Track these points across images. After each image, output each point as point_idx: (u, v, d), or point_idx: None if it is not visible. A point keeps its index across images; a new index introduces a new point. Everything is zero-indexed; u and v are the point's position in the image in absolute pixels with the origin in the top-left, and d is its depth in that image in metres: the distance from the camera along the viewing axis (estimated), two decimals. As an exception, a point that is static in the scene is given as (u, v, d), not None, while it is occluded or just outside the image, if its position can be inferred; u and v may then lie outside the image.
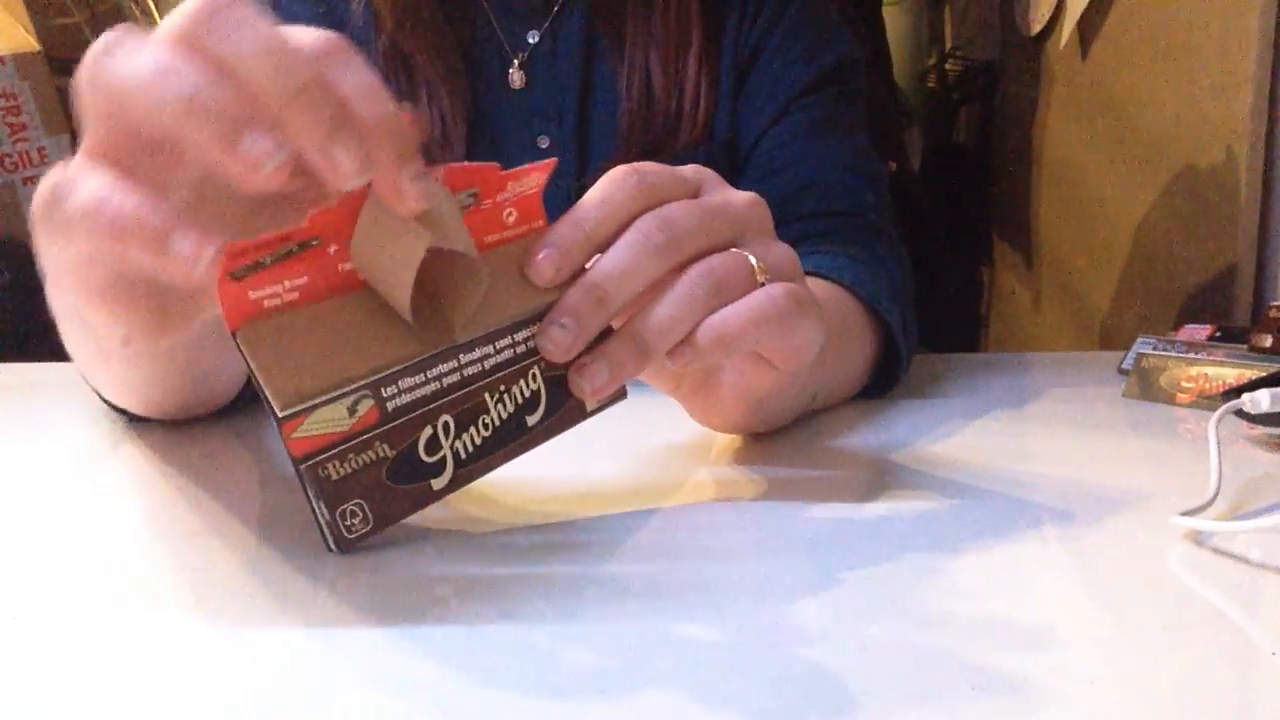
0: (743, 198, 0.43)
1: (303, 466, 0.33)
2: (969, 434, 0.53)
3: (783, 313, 0.40)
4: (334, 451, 0.34)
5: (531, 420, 0.38)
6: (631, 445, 0.50)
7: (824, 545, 0.38)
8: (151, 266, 0.31)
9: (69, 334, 0.45)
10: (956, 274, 1.87)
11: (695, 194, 0.42)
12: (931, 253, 1.55)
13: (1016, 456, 0.49)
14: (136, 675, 0.29)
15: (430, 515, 0.37)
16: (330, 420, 0.33)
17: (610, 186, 0.39)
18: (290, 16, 0.68)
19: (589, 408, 0.40)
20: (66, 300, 0.42)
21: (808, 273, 0.59)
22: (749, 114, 0.71)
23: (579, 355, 0.38)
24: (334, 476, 0.34)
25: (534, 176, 0.38)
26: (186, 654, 0.30)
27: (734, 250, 0.41)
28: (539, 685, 0.28)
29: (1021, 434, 0.53)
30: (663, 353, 0.39)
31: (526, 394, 0.38)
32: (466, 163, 0.36)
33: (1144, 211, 1.17)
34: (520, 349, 0.38)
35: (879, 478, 0.46)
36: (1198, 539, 0.38)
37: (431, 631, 0.31)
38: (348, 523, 0.35)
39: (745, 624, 0.32)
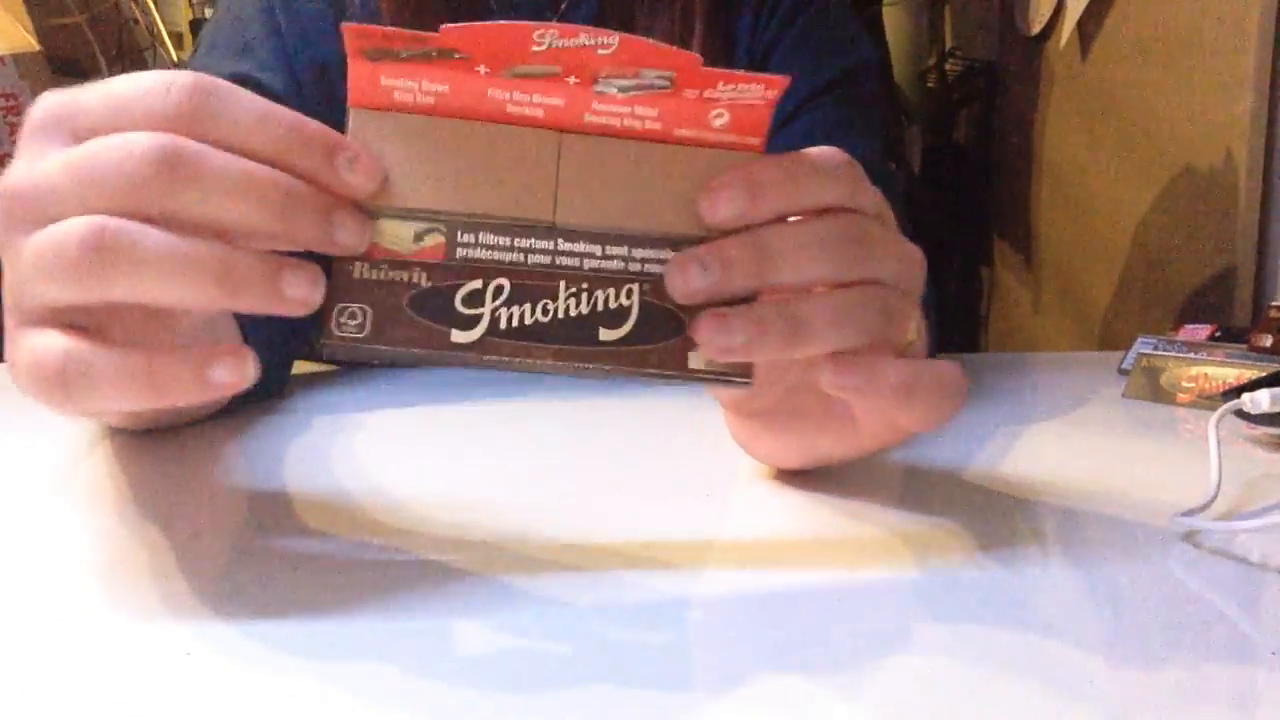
0: (912, 245, 0.38)
1: (337, 260, 0.31)
2: (969, 434, 0.53)
3: (951, 391, 0.36)
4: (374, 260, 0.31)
5: (606, 335, 0.32)
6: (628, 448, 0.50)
7: (819, 543, 0.38)
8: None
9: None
10: (956, 274, 1.87)
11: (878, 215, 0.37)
12: (931, 253, 1.55)
13: (1016, 456, 0.49)
14: (135, 676, 0.29)
15: (433, 516, 0.37)
16: (394, 238, 0.31)
17: (829, 163, 0.34)
18: (294, 15, 0.68)
19: (691, 363, 0.33)
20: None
21: None
22: None
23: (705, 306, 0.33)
24: (355, 275, 0.31)
25: (757, 87, 0.32)
26: (186, 654, 0.30)
27: (895, 293, 0.36)
28: (540, 685, 0.28)
29: (1021, 434, 0.53)
30: (820, 349, 0.34)
31: (613, 305, 0.33)
32: (657, 42, 0.31)
33: (1144, 212, 1.17)
34: (634, 266, 0.33)
35: (877, 477, 0.46)
36: (1198, 539, 0.38)
37: (429, 629, 0.31)
38: (342, 319, 0.31)
39: (740, 613, 0.32)
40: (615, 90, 0.32)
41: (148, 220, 0.30)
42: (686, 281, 0.32)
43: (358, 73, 0.30)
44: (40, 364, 0.30)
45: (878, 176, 0.70)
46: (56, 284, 0.30)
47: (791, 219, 0.34)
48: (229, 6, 0.70)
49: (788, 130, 0.69)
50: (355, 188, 0.31)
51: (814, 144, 0.70)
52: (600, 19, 0.70)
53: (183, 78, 0.31)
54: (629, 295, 0.33)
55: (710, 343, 0.32)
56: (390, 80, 0.30)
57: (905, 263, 0.36)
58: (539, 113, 0.32)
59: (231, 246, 0.30)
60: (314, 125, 0.31)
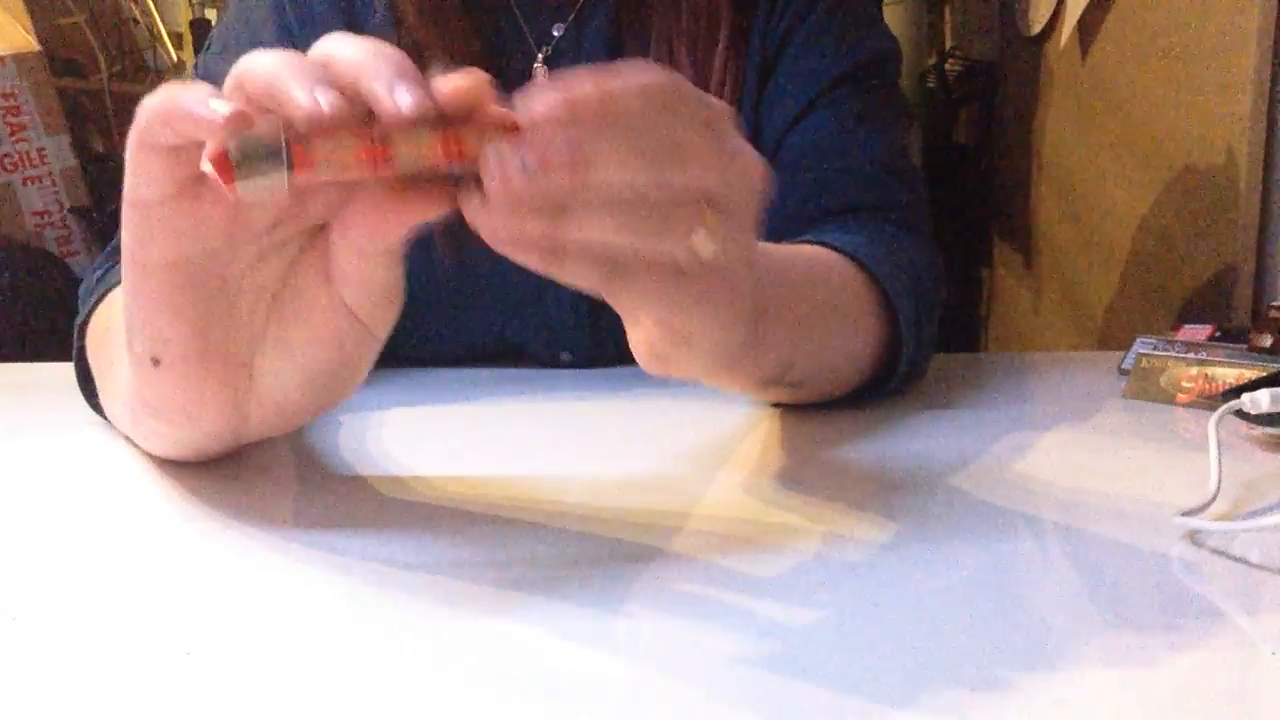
0: (753, 160, 0.38)
1: None
2: (969, 434, 0.53)
3: (678, 303, 0.37)
4: None
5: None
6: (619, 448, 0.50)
7: (820, 546, 0.38)
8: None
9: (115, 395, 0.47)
10: (956, 274, 1.86)
11: (709, 127, 0.37)
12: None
13: (1016, 456, 0.49)
14: (137, 675, 0.29)
15: (435, 516, 0.37)
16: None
17: (644, 84, 0.35)
18: (309, 11, 0.68)
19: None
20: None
21: (821, 243, 0.56)
22: (774, 108, 0.69)
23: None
24: None
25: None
26: (186, 654, 0.30)
27: (700, 206, 0.36)
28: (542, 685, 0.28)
29: (1021, 434, 0.53)
30: (578, 232, 0.34)
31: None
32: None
33: (1144, 211, 1.17)
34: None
35: (877, 477, 0.46)
36: (1198, 539, 0.38)
37: (431, 627, 0.31)
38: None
39: (743, 625, 0.32)
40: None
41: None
42: (504, 174, 0.32)
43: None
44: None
45: (896, 167, 0.69)
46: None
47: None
48: (239, 7, 0.70)
49: (805, 123, 0.68)
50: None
51: (832, 136, 0.69)
52: (617, 18, 0.70)
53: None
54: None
55: (475, 208, 0.34)
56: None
57: (726, 173, 0.37)
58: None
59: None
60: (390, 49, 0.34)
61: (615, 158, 0.34)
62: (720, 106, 0.38)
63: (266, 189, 0.32)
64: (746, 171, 0.38)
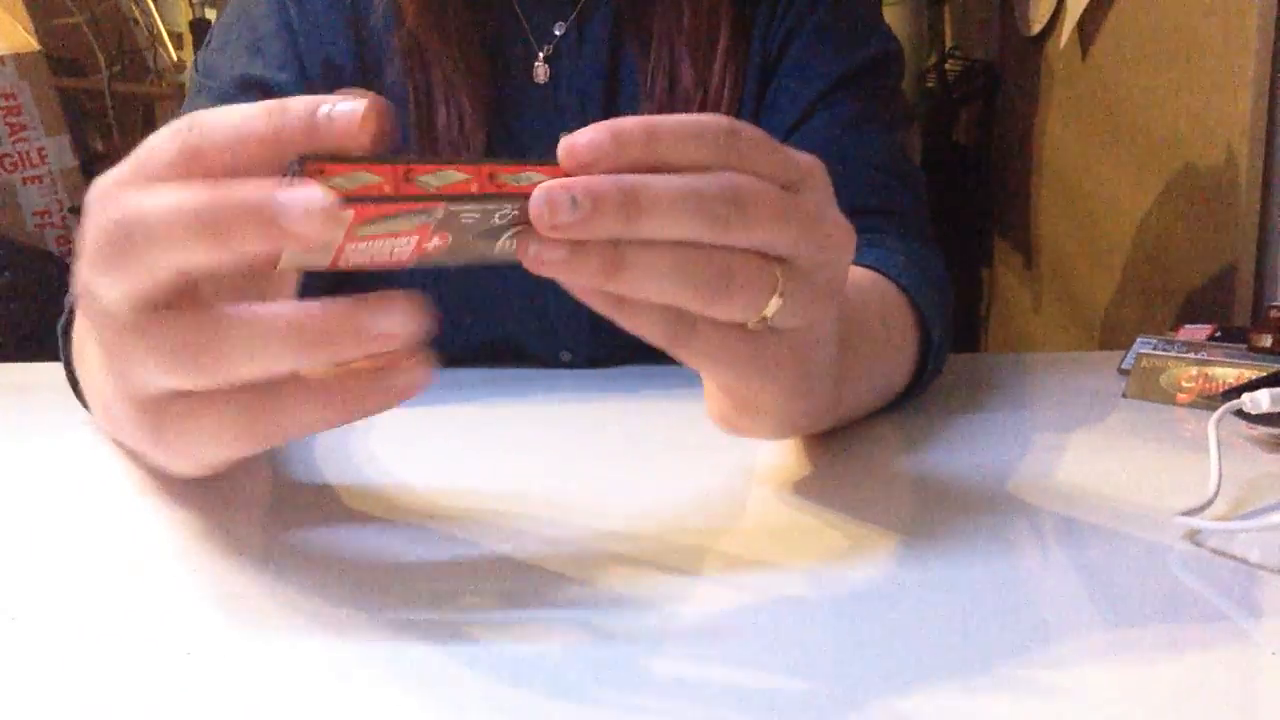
0: (840, 223, 0.36)
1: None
2: (968, 434, 0.53)
3: (742, 370, 0.36)
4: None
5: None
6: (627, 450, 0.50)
7: (819, 546, 0.38)
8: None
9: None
10: (956, 274, 1.86)
11: (791, 185, 0.35)
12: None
13: (1016, 456, 0.49)
14: (137, 675, 0.29)
15: (437, 517, 0.37)
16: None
17: (700, 123, 0.33)
18: (311, 8, 0.68)
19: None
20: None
21: (863, 265, 0.56)
22: (776, 110, 0.69)
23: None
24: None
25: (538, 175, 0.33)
26: (186, 653, 0.30)
27: (772, 267, 0.35)
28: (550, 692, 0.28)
29: (1021, 434, 0.53)
30: (637, 292, 0.33)
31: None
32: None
33: (1144, 211, 1.17)
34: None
35: (877, 478, 0.46)
36: (1198, 539, 0.38)
37: (434, 632, 0.31)
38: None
39: (743, 624, 0.32)
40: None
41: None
42: (553, 214, 0.31)
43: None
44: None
45: (899, 170, 0.69)
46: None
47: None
48: (240, 2, 0.70)
49: (807, 125, 0.68)
50: (341, 129, 0.30)
51: (834, 138, 0.68)
52: (618, 17, 0.69)
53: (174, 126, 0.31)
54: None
55: (529, 253, 0.32)
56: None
57: (803, 234, 0.35)
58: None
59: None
60: (292, 103, 0.31)
61: (668, 201, 0.32)
62: (806, 162, 0.36)
63: (306, 265, 0.31)
64: (829, 235, 0.36)
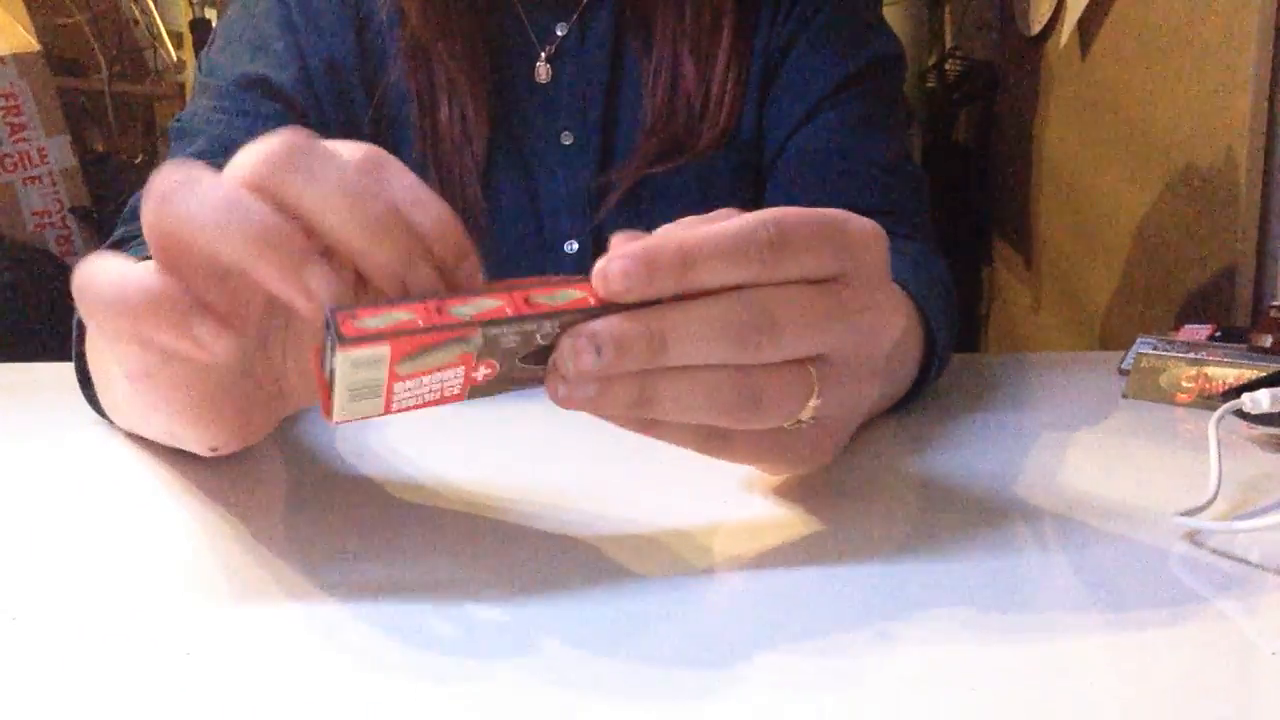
0: (885, 303, 0.36)
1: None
2: (968, 434, 0.53)
3: (779, 460, 0.37)
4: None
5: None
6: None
7: (819, 544, 0.38)
8: (174, 347, 0.32)
9: (111, 399, 0.47)
10: (956, 274, 1.86)
11: (836, 276, 0.34)
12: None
13: (1016, 457, 0.49)
14: (137, 675, 0.29)
15: (437, 517, 0.37)
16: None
17: (742, 235, 0.32)
18: (314, 8, 0.68)
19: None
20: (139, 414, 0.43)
21: None
22: (778, 111, 0.69)
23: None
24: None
25: (577, 292, 0.33)
26: (186, 653, 0.30)
27: (807, 372, 0.34)
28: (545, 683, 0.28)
29: (1021, 434, 0.53)
30: (668, 418, 0.34)
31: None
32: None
33: (1144, 211, 1.17)
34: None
35: (877, 478, 0.46)
36: (1198, 539, 0.38)
37: (432, 625, 0.31)
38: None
39: (746, 617, 0.32)
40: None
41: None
42: (578, 363, 0.32)
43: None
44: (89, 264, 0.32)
45: (902, 171, 0.69)
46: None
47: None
48: (243, 2, 0.70)
49: (810, 126, 0.68)
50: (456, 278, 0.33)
51: (837, 140, 0.69)
52: (620, 18, 0.69)
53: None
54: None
55: (558, 396, 0.33)
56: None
57: (841, 334, 0.34)
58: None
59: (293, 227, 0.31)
60: (463, 231, 0.33)
61: (696, 336, 0.32)
62: (861, 237, 0.35)
63: (361, 414, 0.32)
64: (871, 325, 0.35)
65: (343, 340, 0.29)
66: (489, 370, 0.32)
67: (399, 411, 0.32)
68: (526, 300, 0.32)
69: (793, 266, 0.33)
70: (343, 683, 0.28)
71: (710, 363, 0.33)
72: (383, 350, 0.30)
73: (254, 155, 0.32)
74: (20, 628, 0.32)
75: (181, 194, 0.31)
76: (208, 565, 0.37)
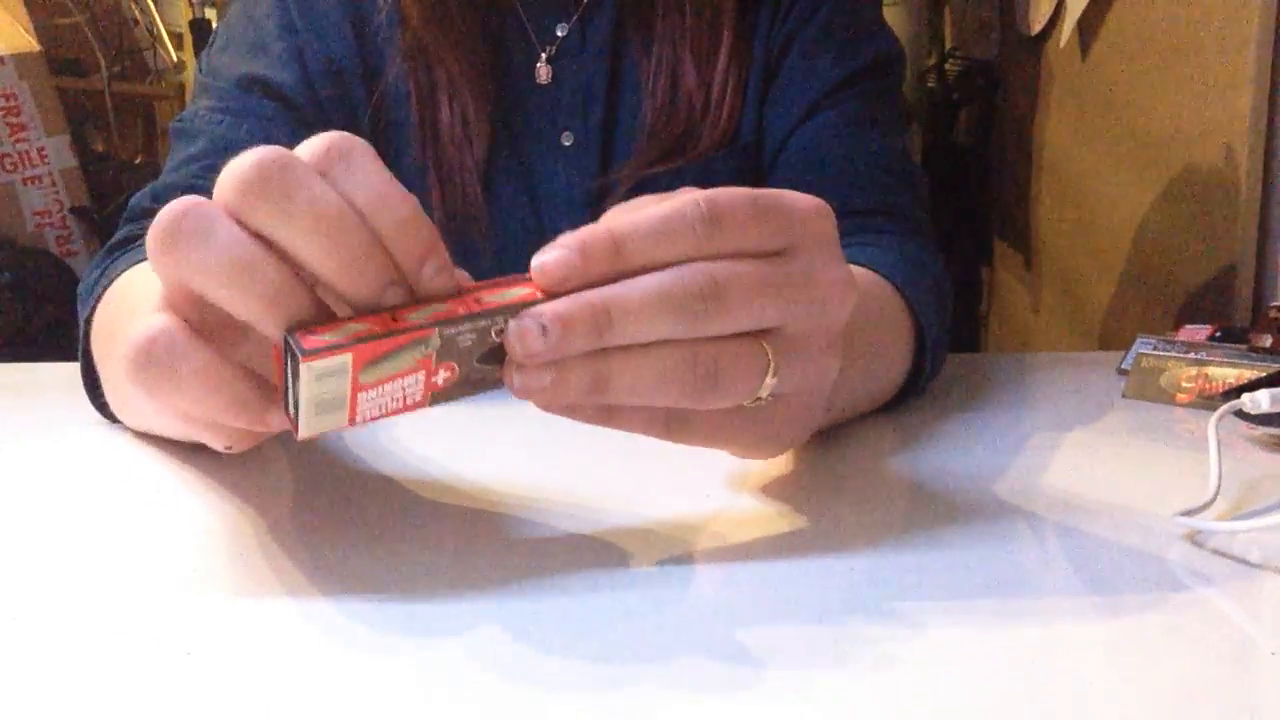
0: (834, 277, 0.36)
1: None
2: (969, 434, 0.53)
3: (745, 441, 0.37)
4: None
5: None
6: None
7: (820, 544, 0.38)
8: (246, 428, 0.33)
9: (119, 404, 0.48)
10: (956, 274, 1.86)
11: (780, 250, 0.35)
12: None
13: (1016, 457, 0.49)
14: (137, 675, 0.29)
15: (437, 517, 0.37)
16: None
17: (671, 213, 0.33)
18: (314, 8, 0.68)
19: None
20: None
21: (857, 264, 0.55)
22: (778, 111, 0.69)
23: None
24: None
25: (522, 289, 0.34)
26: (186, 653, 0.30)
27: (760, 346, 0.35)
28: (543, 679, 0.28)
29: (1021, 434, 0.53)
30: (626, 402, 0.34)
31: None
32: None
33: (1144, 211, 1.17)
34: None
35: (877, 478, 0.46)
36: (1198, 539, 0.38)
37: (434, 621, 0.31)
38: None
39: (742, 623, 0.32)
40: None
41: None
42: (525, 345, 0.32)
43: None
44: (148, 335, 0.32)
45: (900, 171, 0.69)
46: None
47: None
48: (243, 2, 0.70)
49: (809, 125, 0.68)
50: (430, 289, 0.33)
51: (836, 139, 0.69)
52: (620, 18, 0.69)
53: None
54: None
55: (515, 386, 0.33)
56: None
57: (791, 302, 0.34)
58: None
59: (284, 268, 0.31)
60: (427, 223, 0.33)
61: (638, 308, 0.32)
62: (802, 213, 0.35)
63: (326, 427, 0.32)
64: (820, 296, 0.35)
65: (305, 353, 0.30)
66: (449, 373, 0.33)
67: (364, 422, 0.32)
68: (477, 300, 0.33)
69: (731, 240, 0.34)
70: (343, 682, 0.29)
71: (659, 337, 0.33)
72: (344, 359, 0.31)
73: (229, 180, 0.32)
74: (20, 628, 0.32)
75: (188, 244, 0.31)
76: (208, 565, 0.37)
